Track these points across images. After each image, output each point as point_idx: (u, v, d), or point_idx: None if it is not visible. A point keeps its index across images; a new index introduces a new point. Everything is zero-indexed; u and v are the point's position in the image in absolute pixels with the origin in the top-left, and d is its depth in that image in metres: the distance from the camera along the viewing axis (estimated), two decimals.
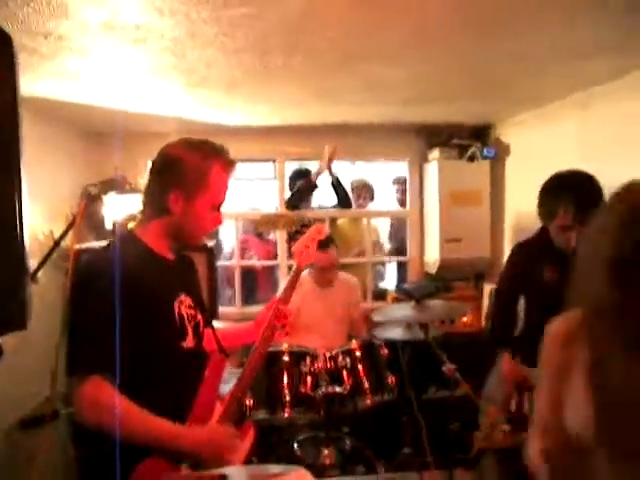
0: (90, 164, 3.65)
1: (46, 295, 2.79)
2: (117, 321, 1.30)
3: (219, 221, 1.56)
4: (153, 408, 1.37)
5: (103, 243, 1.63)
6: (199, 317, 1.60)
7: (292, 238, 2.98)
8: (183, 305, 1.53)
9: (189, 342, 1.52)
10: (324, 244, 2.78)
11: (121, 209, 3.18)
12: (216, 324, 2.01)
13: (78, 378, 1.34)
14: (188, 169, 1.46)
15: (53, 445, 2.39)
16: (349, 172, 4.87)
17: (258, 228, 4.06)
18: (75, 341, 1.36)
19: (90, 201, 2.59)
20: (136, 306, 1.37)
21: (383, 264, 4.78)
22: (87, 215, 3.22)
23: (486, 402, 2.57)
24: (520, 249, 2.49)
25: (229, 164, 1.53)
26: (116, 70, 2.28)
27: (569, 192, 2.05)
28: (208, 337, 1.65)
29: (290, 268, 4.01)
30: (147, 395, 1.38)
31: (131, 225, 1.77)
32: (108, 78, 2.39)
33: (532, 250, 2.39)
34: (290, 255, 4.04)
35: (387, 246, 4.69)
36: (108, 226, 3.27)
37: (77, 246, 3.02)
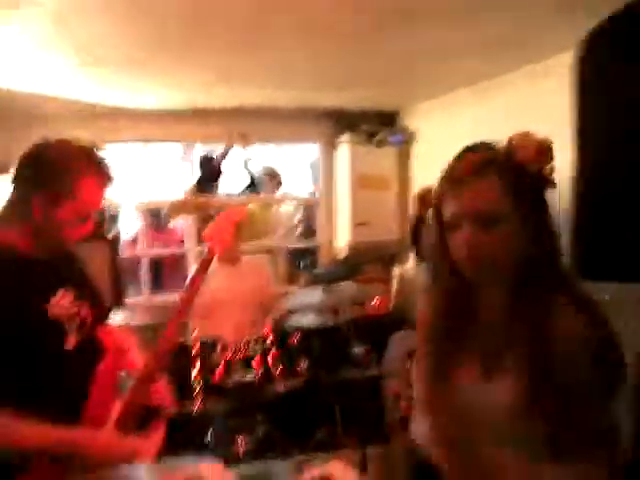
0: None
1: None
2: None
3: (86, 230, 1.45)
4: (44, 414, 1.28)
5: None
6: (84, 312, 1.49)
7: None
8: (60, 304, 1.42)
9: (70, 342, 1.42)
10: None
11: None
12: (123, 314, 1.89)
13: None
14: (55, 173, 1.35)
15: None
16: (261, 155, 4.81)
17: (170, 215, 3.92)
18: None
19: None
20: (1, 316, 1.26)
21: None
22: None
23: (387, 377, 2.66)
24: None
25: (104, 177, 1.42)
26: None
27: None
28: (105, 334, 1.55)
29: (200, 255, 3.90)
30: (35, 402, 1.29)
31: None
32: None
33: None
34: (199, 241, 3.93)
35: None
36: None
37: None
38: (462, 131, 3.40)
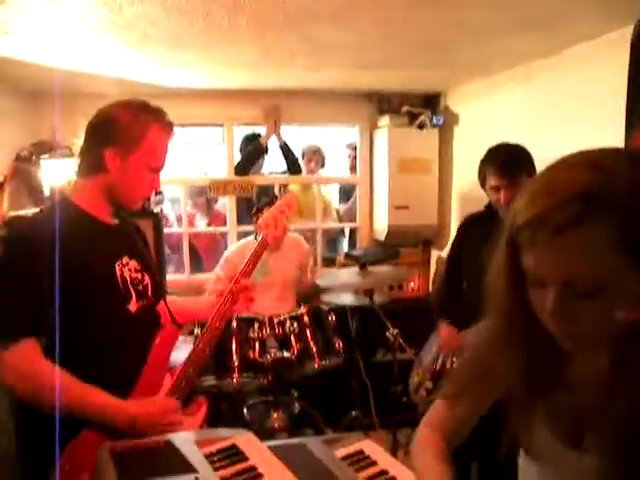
0: (27, 126, 3.44)
1: None
2: (48, 286, 1.27)
3: (156, 184, 1.53)
4: (95, 374, 1.34)
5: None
6: (147, 281, 1.56)
7: (259, 211, 2.89)
8: (126, 268, 1.49)
9: (133, 305, 1.49)
10: None
11: (59, 174, 3.04)
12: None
13: (2, 344, 1.28)
14: (125, 126, 1.43)
15: None
16: (300, 137, 4.81)
17: (209, 194, 3.98)
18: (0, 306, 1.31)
19: (21, 164, 2.42)
20: (71, 270, 1.32)
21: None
22: (22, 180, 3.06)
23: (418, 364, 2.69)
24: (465, 225, 2.61)
25: (167, 126, 1.50)
26: (48, 24, 2.13)
27: (493, 158, 2.34)
28: (161, 309, 1.61)
29: (240, 235, 3.97)
30: (89, 361, 1.35)
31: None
32: (40, 32, 2.23)
33: (476, 225, 2.48)
34: (239, 222, 4.00)
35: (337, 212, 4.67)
36: (46, 192, 3.13)
37: (12, 213, 2.89)
38: (505, 114, 3.32)
